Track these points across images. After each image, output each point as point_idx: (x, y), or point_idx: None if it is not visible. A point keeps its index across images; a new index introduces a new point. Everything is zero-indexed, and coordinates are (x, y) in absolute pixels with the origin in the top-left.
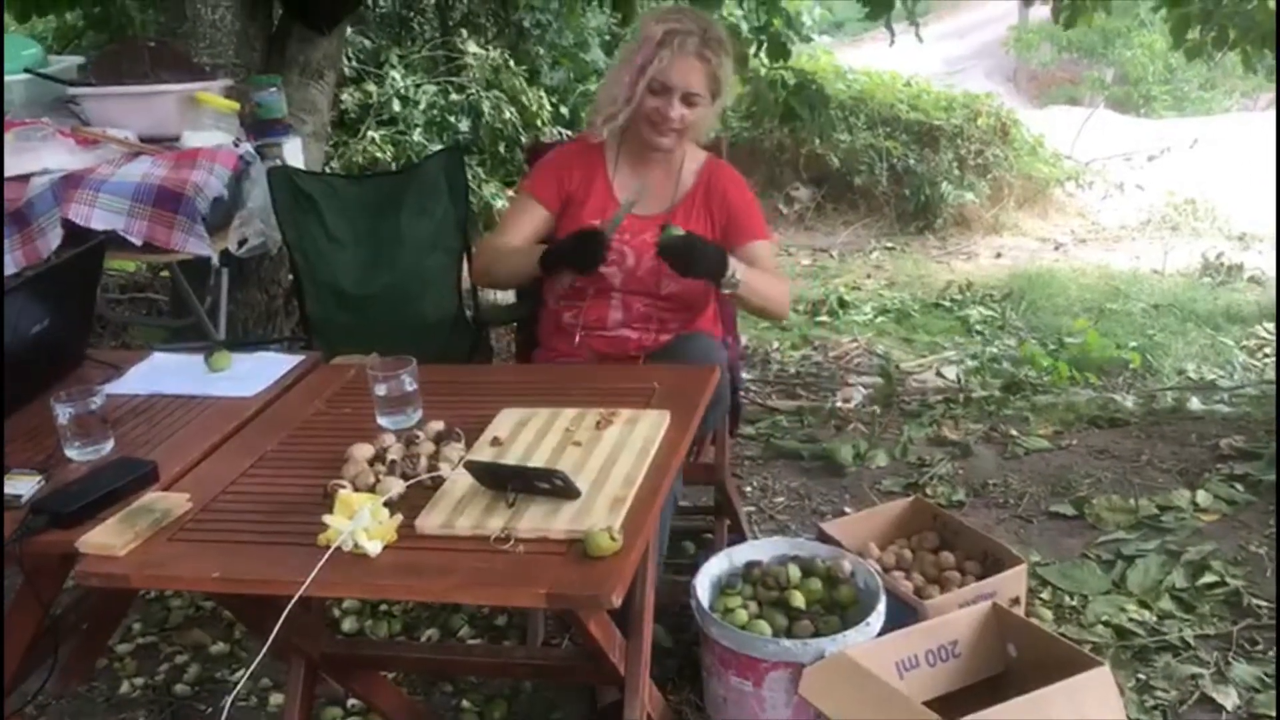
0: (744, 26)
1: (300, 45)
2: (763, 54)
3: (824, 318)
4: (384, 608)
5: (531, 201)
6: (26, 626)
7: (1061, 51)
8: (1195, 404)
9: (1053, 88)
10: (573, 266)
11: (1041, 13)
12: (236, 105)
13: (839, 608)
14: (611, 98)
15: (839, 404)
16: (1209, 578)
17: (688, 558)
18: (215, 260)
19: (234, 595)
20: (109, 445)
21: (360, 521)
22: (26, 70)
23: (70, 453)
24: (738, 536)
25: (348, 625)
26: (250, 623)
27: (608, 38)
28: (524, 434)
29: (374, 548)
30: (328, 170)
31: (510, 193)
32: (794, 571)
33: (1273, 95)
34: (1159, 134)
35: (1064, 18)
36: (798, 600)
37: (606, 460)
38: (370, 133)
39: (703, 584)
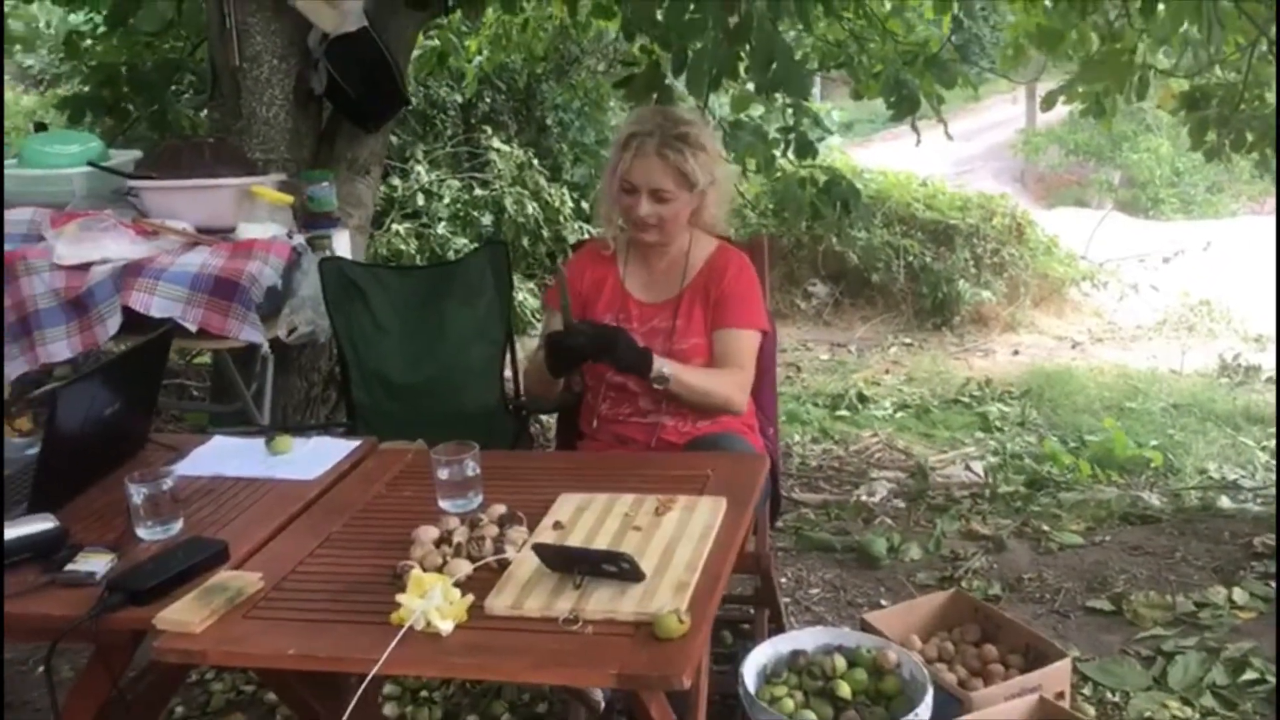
0: (771, 129)
1: (348, 143)
2: (790, 154)
3: (843, 412)
4: (424, 694)
5: (552, 314)
6: (95, 698)
7: (1069, 155)
8: (1225, 502)
9: (1060, 189)
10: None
11: (1049, 117)
12: (291, 199)
13: (884, 699)
14: (603, 202)
15: (864, 498)
16: (1249, 674)
17: (725, 647)
18: (266, 348)
19: (293, 678)
20: (178, 525)
21: (433, 601)
22: (89, 163)
23: (141, 532)
24: (776, 627)
25: (389, 710)
26: (298, 706)
27: None
28: (584, 519)
29: (446, 627)
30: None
31: (531, 285)
32: (840, 661)
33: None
34: (1169, 236)
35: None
36: (844, 690)
37: (668, 545)
38: (395, 225)
39: (749, 672)
